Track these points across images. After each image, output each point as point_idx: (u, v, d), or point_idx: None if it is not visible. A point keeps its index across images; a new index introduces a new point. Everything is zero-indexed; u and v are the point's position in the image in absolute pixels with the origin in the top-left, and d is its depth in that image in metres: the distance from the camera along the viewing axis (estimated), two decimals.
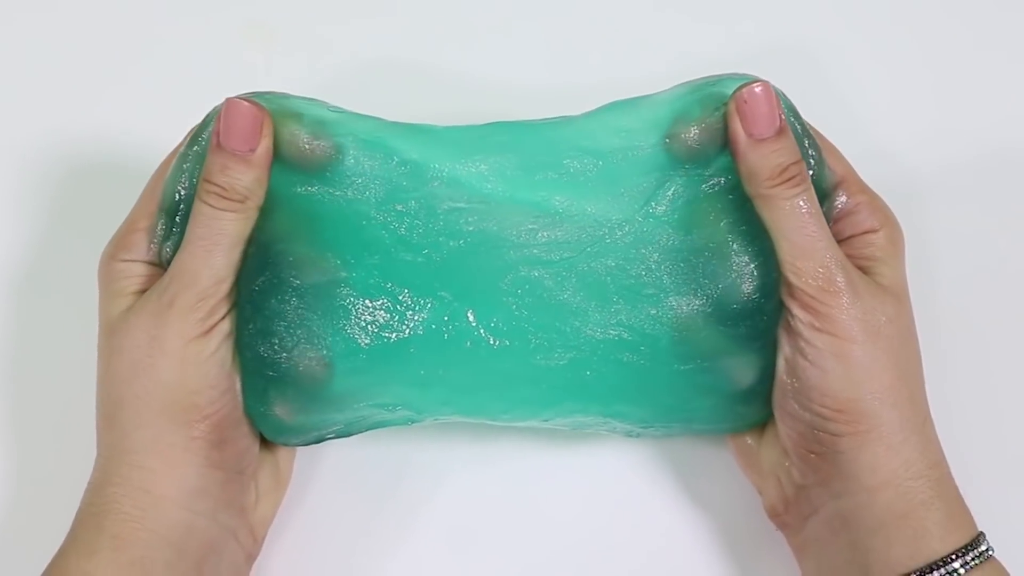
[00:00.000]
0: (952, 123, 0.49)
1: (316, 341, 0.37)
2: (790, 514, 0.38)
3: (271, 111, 0.37)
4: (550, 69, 0.50)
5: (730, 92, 0.36)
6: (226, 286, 0.36)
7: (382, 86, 0.50)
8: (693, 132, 0.37)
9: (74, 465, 0.39)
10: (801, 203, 0.35)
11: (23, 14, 0.50)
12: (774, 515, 0.39)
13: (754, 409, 0.39)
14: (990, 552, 0.35)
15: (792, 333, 0.36)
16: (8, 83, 0.50)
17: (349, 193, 0.38)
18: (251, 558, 0.40)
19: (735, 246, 0.37)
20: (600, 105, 0.39)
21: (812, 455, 0.36)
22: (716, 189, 0.38)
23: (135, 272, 0.37)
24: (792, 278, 0.35)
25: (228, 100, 0.36)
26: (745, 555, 0.43)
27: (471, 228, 0.38)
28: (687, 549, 0.43)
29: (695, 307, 0.37)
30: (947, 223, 0.47)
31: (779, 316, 0.37)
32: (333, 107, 0.39)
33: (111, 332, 0.37)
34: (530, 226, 0.38)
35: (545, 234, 0.38)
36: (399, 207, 0.38)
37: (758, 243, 0.37)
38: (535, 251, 0.38)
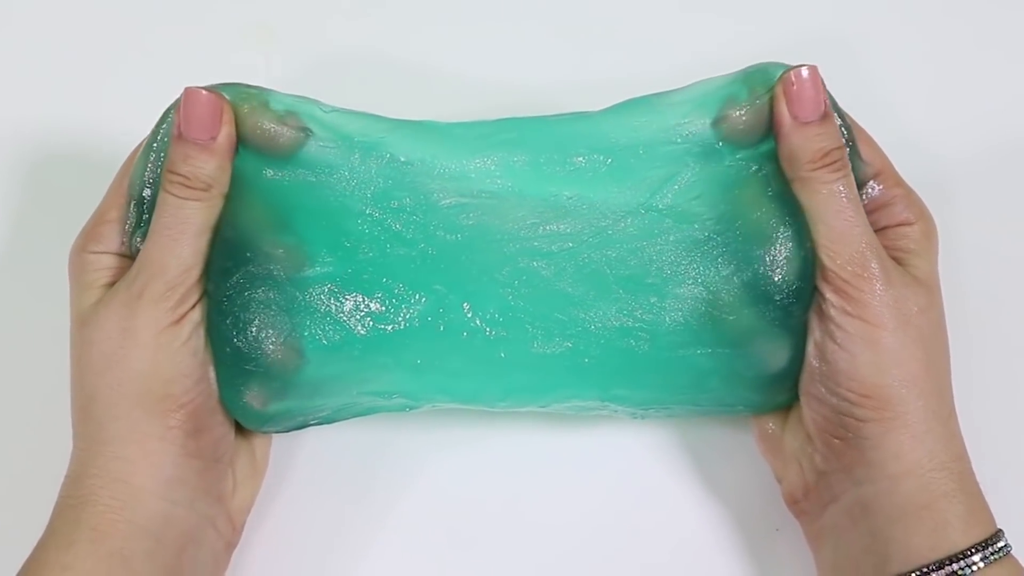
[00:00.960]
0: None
1: (295, 334, 0.37)
2: (809, 501, 0.38)
3: (235, 100, 0.37)
4: (557, 66, 0.49)
5: (777, 77, 0.37)
6: (194, 274, 0.36)
7: (385, 85, 0.49)
8: (742, 114, 0.37)
9: (51, 458, 0.38)
10: (840, 188, 0.36)
11: (24, 12, 0.50)
12: (792, 502, 0.39)
13: (761, 393, 0.39)
14: (1008, 549, 0.35)
15: (823, 317, 0.36)
16: (8, 80, 0.50)
17: (340, 189, 0.38)
18: (231, 546, 0.39)
19: (751, 237, 0.37)
20: (614, 103, 0.39)
21: (836, 440, 0.36)
22: (735, 180, 0.38)
23: (105, 264, 0.38)
24: (827, 261, 0.36)
25: (186, 90, 0.37)
26: (757, 541, 0.42)
27: (471, 222, 0.38)
28: (696, 534, 0.43)
29: (699, 295, 0.37)
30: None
31: (793, 304, 0.37)
32: (328, 107, 0.39)
33: (82, 324, 0.37)
34: (532, 220, 0.38)
35: (547, 227, 0.38)
36: (394, 203, 0.38)
37: (775, 233, 0.37)
38: (535, 243, 0.38)
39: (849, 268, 0.35)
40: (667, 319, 0.37)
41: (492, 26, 0.50)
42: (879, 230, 0.37)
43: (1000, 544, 0.34)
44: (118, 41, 0.50)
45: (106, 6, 0.50)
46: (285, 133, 0.37)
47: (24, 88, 0.49)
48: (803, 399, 0.37)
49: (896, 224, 0.38)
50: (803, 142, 0.36)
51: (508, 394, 0.39)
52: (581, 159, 0.38)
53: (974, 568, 0.34)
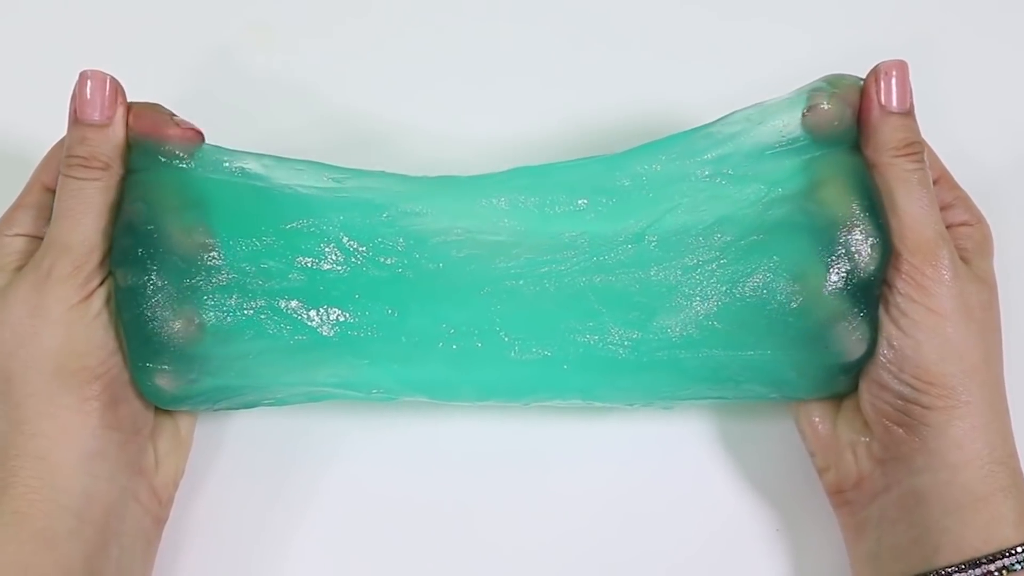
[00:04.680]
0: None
1: (200, 321, 0.37)
2: (858, 491, 0.39)
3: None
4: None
5: (847, 81, 0.39)
6: (98, 254, 0.37)
7: (385, 84, 0.49)
8: (826, 104, 0.38)
9: None
10: (919, 178, 0.37)
11: (23, 13, 0.50)
12: (837, 492, 0.40)
13: (745, 386, 0.39)
14: None
15: (889, 304, 0.37)
16: (8, 80, 0.49)
17: (316, 220, 0.39)
18: (159, 521, 0.40)
19: (752, 265, 0.38)
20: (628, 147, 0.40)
21: (898, 428, 0.37)
22: (763, 200, 0.39)
23: (16, 247, 0.38)
24: (899, 246, 0.37)
25: (81, 73, 0.38)
26: (757, 542, 0.42)
27: (461, 255, 0.39)
28: (694, 535, 0.42)
29: (699, 308, 0.38)
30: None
31: (775, 322, 0.38)
32: (337, 172, 0.40)
33: None
34: (528, 256, 0.39)
35: (541, 258, 0.39)
36: (379, 240, 0.39)
37: (774, 262, 0.38)
38: (522, 269, 0.39)
39: (920, 255, 0.36)
40: (651, 330, 0.38)
41: (500, 28, 0.50)
42: None
43: None
44: (117, 41, 0.49)
45: (105, 6, 0.50)
46: (186, 136, 0.38)
47: (22, 88, 0.49)
48: (865, 385, 0.38)
49: (958, 223, 0.39)
50: (890, 131, 0.38)
51: (485, 395, 0.40)
52: (585, 200, 0.39)
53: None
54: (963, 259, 0.38)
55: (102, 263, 0.37)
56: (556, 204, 0.39)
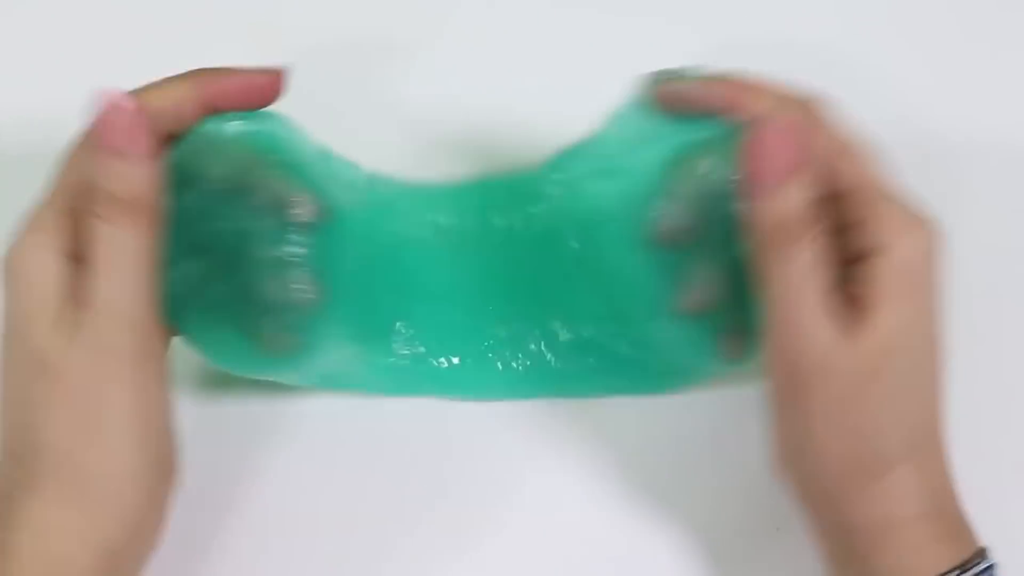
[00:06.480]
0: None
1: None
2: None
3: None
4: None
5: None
6: (152, 310, 0.33)
7: (385, 84, 0.50)
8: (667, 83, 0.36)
9: None
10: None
11: (24, 12, 0.51)
12: None
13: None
14: (992, 570, 0.34)
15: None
16: (10, 79, 0.50)
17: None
18: None
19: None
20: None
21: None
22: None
23: (52, 277, 0.33)
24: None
25: (101, 94, 0.33)
26: (757, 541, 0.42)
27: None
28: (693, 533, 0.42)
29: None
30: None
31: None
32: (394, 186, 0.42)
33: (42, 366, 0.32)
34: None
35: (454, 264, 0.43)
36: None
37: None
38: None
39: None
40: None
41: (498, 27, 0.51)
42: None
43: (983, 565, 0.33)
44: (117, 42, 0.50)
45: (105, 6, 0.50)
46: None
47: (22, 88, 0.49)
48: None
49: (863, 252, 0.33)
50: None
51: (481, 396, 0.43)
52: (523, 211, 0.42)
53: None
54: (861, 307, 0.32)
55: (156, 318, 0.34)
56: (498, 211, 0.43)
